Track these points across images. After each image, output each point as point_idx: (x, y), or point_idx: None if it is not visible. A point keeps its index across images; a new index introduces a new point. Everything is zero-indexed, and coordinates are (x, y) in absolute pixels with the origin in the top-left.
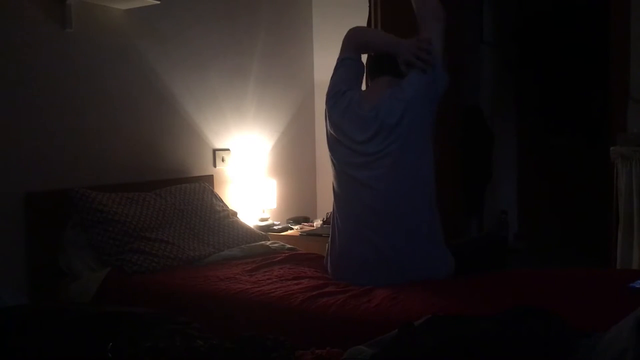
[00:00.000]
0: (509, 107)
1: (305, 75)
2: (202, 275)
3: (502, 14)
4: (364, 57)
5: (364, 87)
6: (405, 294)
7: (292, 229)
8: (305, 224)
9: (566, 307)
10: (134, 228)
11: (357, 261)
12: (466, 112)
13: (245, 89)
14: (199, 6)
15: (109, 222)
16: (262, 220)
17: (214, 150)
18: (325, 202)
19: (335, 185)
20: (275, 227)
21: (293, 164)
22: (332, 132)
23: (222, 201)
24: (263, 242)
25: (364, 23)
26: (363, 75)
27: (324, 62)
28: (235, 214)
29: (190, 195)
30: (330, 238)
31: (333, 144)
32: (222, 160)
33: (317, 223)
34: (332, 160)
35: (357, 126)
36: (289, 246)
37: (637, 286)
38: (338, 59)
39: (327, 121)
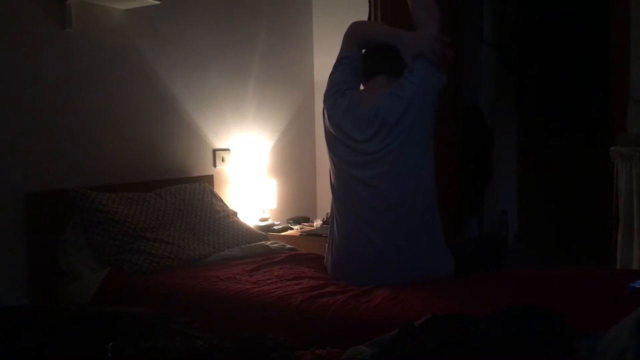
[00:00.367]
0: (509, 107)
1: (305, 75)
2: (202, 275)
3: (502, 14)
4: None
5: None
6: (405, 294)
7: (292, 229)
8: (305, 224)
9: (566, 307)
10: (134, 228)
11: (357, 260)
12: (466, 112)
13: (245, 89)
14: (199, 6)
15: (109, 222)
16: (262, 220)
17: (214, 150)
18: (325, 202)
19: (334, 183)
20: (275, 227)
21: (293, 164)
22: (331, 130)
23: (222, 201)
24: (263, 242)
25: None
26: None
27: (324, 62)
28: (235, 214)
29: (190, 195)
30: (329, 235)
31: (332, 141)
32: (222, 160)
33: (317, 223)
34: (330, 157)
35: (358, 125)
36: (289, 246)
37: (637, 286)
38: (338, 56)
39: (326, 120)
